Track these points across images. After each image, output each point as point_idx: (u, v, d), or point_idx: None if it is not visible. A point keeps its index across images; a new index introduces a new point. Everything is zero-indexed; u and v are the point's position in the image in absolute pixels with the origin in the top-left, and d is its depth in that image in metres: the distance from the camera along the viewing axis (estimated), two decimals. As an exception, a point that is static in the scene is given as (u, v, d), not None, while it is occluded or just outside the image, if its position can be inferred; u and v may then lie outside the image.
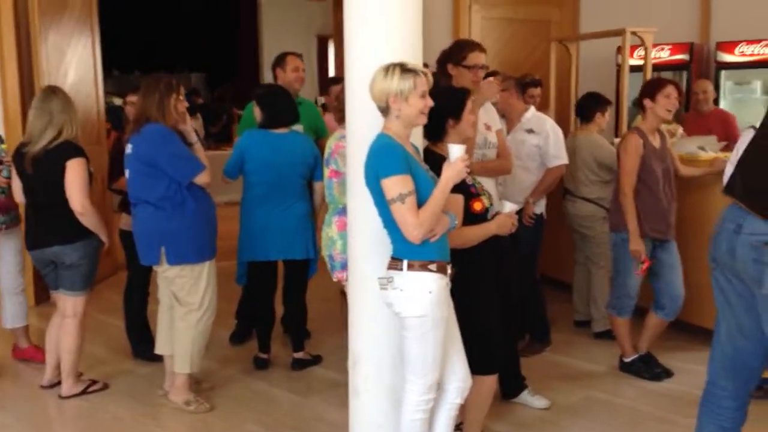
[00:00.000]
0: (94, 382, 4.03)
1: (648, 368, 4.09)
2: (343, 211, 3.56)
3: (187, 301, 3.69)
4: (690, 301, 4.09)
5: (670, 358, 4.22)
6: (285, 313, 4.52)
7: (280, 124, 4.17)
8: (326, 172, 3.82)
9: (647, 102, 3.96)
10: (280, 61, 4.86)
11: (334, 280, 3.86)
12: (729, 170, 3.62)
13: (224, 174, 4.20)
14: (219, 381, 4.14)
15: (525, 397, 3.74)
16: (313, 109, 5.13)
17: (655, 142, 4.00)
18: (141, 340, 4.42)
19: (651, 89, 3.99)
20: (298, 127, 4.32)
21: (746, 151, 2.53)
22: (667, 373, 4.09)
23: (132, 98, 4.32)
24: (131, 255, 4.09)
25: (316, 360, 4.39)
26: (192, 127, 3.78)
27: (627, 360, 4.15)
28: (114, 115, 8.11)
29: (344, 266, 3.56)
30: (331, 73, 13.77)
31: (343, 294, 5.55)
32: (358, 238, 3.04)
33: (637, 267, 3.91)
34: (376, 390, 2.99)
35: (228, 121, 11.01)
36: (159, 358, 3.98)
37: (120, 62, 15.18)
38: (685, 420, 3.54)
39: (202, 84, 17.58)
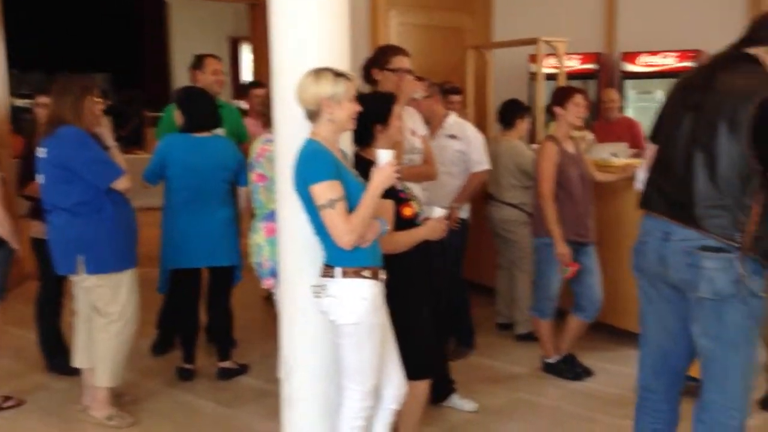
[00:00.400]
0: (7, 398, 3.83)
1: (570, 368, 4.21)
2: (270, 217, 3.51)
3: (107, 312, 3.55)
4: (608, 303, 4.24)
5: (590, 358, 4.36)
6: (210, 322, 4.41)
7: (202, 128, 4.08)
8: (252, 176, 3.75)
9: (558, 110, 4.11)
10: (198, 63, 4.75)
11: (263, 287, 3.79)
12: (641, 176, 3.78)
13: (144, 179, 4.07)
14: (141, 394, 4.00)
15: (454, 400, 3.78)
16: (234, 113, 5.04)
17: (570, 148, 4.14)
18: (56, 353, 4.21)
19: (560, 97, 4.13)
20: (220, 131, 4.24)
21: (654, 166, 2.62)
22: (587, 373, 4.22)
23: (43, 99, 4.12)
24: (44, 264, 3.90)
25: (242, 369, 4.30)
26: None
27: (549, 361, 4.27)
28: (15, 116, 7.70)
29: (273, 273, 3.51)
30: (245, 76, 13.56)
31: (266, 301, 5.51)
32: (289, 244, 3.00)
33: (564, 271, 4.02)
34: (310, 399, 2.96)
35: (138, 124, 10.68)
36: (75, 371, 3.81)
37: (18, 61, 14.43)
38: (606, 417, 3.68)
39: (107, 85, 16.96)
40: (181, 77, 13.04)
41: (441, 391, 3.73)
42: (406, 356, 2.88)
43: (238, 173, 4.12)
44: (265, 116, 3.77)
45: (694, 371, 2.87)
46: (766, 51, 2.43)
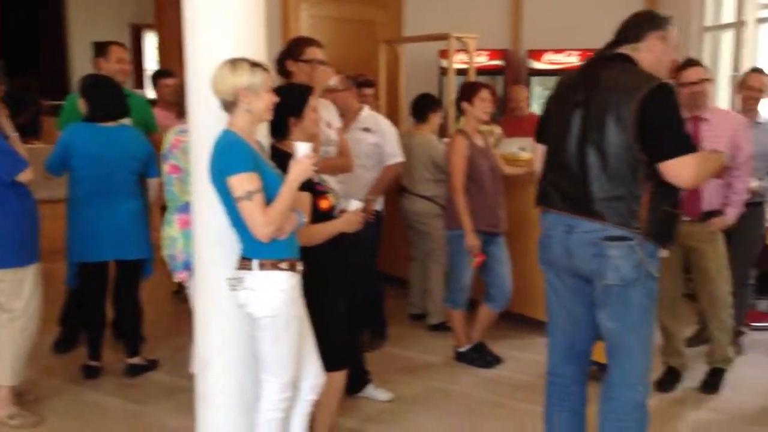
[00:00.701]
0: None
1: (481, 357, 4.32)
2: (184, 209, 3.43)
3: (10, 308, 3.39)
4: (516, 292, 4.37)
5: (500, 346, 4.49)
6: (117, 317, 4.27)
7: (108, 117, 3.94)
8: (165, 167, 3.65)
9: (465, 105, 4.20)
10: (102, 50, 4.58)
11: (176, 280, 3.70)
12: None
13: (46, 170, 3.90)
14: (45, 392, 3.83)
15: (369, 391, 3.82)
16: (142, 102, 4.89)
17: (479, 141, 4.24)
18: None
19: (467, 93, 4.22)
20: (126, 121, 4.10)
21: (547, 164, 2.73)
22: (497, 361, 4.34)
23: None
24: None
25: (151, 365, 4.19)
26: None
27: (462, 350, 4.36)
28: None
29: (187, 266, 3.44)
30: (148, 64, 13.18)
31: (175, 295, 5.39)
32: (204, 236, 2.94)
33: (470, 260, 4.12)
34: (227, 393, 2.91)
35: (36, 113, 10.18)
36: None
37: None
38: (515, 403, 3.80)
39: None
40: (79, 65, 12.55)
41: (356, 382, 3.75)
42: (322, 348, 2.89)
43: (147, 164, 4.01)
44: (178, 106, 3.68)
45: (596, 356, 3.02)
46: (633, 49, 2.59)
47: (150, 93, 7.05)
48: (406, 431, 3.53)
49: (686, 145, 2.46)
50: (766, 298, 5.17)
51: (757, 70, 4.60)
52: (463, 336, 4.35)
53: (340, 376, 3.12)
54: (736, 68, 5.52)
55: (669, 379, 4.00)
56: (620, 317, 2.59)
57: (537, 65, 7.71)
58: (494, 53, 7.78)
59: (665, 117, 2.46)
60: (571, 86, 2.67)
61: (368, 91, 5.13)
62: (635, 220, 2.48)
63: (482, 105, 4.17)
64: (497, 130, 5.96)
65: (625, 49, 2.62)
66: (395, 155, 4.47)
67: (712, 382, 3.97)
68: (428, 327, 4.93)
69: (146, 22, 11.84)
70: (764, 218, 4.44)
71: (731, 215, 3.87)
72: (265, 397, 2.71)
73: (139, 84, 12.21)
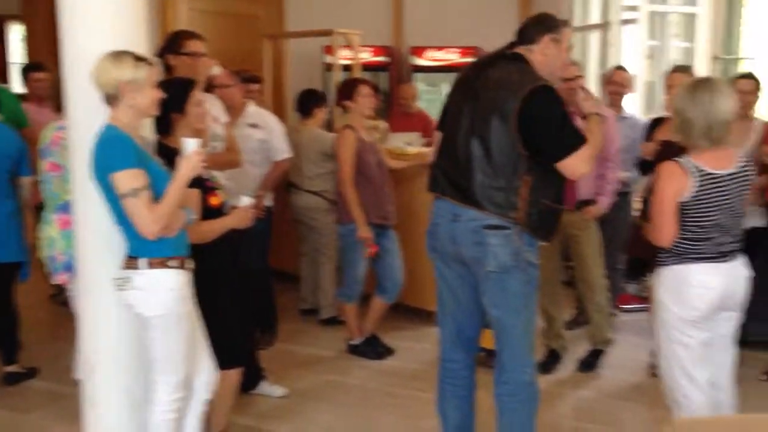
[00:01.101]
0: None
1: (373, 349, 4.39)
2: (64, 208, 3.29)
3: None
4: (406, 284, 4.46)
5: (392, 337, 4.57)
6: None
7: (-24, 113, 3.72)
8: (43, 165, 3.48)
9: (348, 103, 4.25)
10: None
11: (56, 282, 3.54)
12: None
13: None
14: None
15: (264, 387, 3.80)
16: (11, 97, 4.63)
17: (366, 136, 4.31)
18: None
19: (348, 91, 4.27)
20: (-6, 117, 3.88)
21: (438, 151, 2.84)
22: (389, 352, 4.42)
23: None
24: None
25: (31, 373, 3.98)
26: None
27: (354, 343, 4.42)
28: None
29: (68, 267, 3.30)
30: (13, 58, 12.41)
31: (53, 299, 5.14)
32: (86, 236, 2.84)
33: (364, 251, 4.17)
34: (116, 396, 2.82)
35: None
36: None
37: None
38: (407, 391, 3.90)
39: None
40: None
41: (250, 379, 3.72)
42: (215, 346, 2.86)
43: (19, 162, 3.81)
44: (54, 101, 3.51)
45: (484, 342, 3.15)
46: (526, 49, 2.71)
47: (17, 87, 6.67)
48: (301, 426, 3.54)
49: (577, 139, 2.60)
50: (635, 281, 5.54)
51: (620, 68, 4.92)
52: (356, 329, 4.40)
53: (234, 374, 3.10)
54: (602, 66, 5.85)
55: (550, 361, 4.21)
56: (501, 303, 2.70)
57: (420, 62, 7.86)
58: (378, 50, 7.86)
59: (548, 117, 2.58)
60: (466, 80, 2.78)
61: (254, 86, 5.08)
62: (513, 210, 2.60)
63: (364, 101, 4.23)
64: (382, 125, 6.05)
65: (520, 50, 2.73)
66: (284, 151, 4.46)
67: (590, 362, 4.22)
68: (320, 322, 4.94)
69: (10, 13, 11.14)
70: (631, 207, 4.75)
71: (604, 204, 4.11)
72: (157, 398, 2.65)
73: (3, 78, 11.50)
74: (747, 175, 2.72)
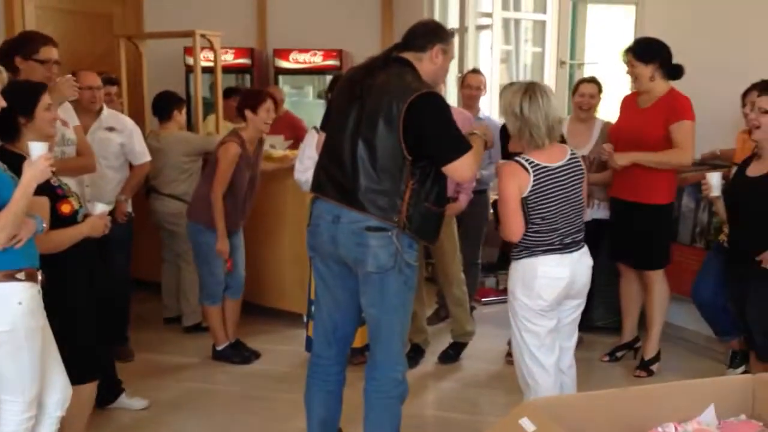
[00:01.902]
0: None
1: (238, 353, 4.36)
2: None
3: None
4: (271, 286, 4.46)
5: (258, 341, 4.56)
6: None
7: None
8: None
9: (249, 114, 4.12)
10: None
11: None
12: (299, 167, 4.05)
13: None
14: None
15: (123, 400, 3.68)
16: None
17: (251, 149, 4.20)
18: None
19: (253, 102, 4.12)
20: None
21: (323, 153, 2.88)
22: (256, 355, 4.41)
23: None
24: None
25: None
26: None
27: (219, 348, 4.36)
28: None
29: None
30: None
31: None
32: None
33: (224, 264, 4.15)
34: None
35: None
36: None
37: None
38: (274, 394, 3.91)
39: None
40: None
41: (108, 393, 3.60)
42: (69, 360, 2.74)
43: None
44: None
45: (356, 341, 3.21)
46: (415, 56, 2.78)
47: None
48: (164, 436, 3.47)
49: (462, 145, 2.68)
50: (493, 275, 5.81)
51: (475, 71, 5.14)
52: (221, 334, 4.35)
53: (89, 388, 3.00)
54: (460, 69, 6.08)
55: (414, 355, 4.33)
56: (379, 303, 2.76)
57: (284, 64, 7.84)
58: (240, 51, 7.78)
59: (436, 121, 2.65)
60: (352, 81, 2.80)
61: (113, 89, 4.95)
62: (395, 213, 2.66)
63: (265, 116, 4.12)
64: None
65: (408, 55, 2.78)
66: (143, 154, 4.34)
67: (451, 355, 4.39)
68: (184, 329, 4.85)
69: None
70: (488, 204, 4.98)
71: (463, 201, 4.29)
72: (6, 420, 2.51)
73: None
74: (578, 166, 2.95)
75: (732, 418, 2.25)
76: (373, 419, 2.86)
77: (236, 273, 4.33)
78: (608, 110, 4.92)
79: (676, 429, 2.16)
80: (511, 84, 3.13)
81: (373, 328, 2.85)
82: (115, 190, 4.22)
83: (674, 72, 3.94)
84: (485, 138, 2.90)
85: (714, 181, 3.37)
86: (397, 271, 2.71)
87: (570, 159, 2.93)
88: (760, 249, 3.16)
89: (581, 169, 2.98)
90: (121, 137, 4.24)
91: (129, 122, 4.35)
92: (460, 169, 2.67)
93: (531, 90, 2.86)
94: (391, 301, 2.76)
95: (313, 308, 3.44)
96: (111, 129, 4.22)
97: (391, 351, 2.82)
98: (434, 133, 2.65)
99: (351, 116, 2.72)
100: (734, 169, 3.58)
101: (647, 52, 3.92)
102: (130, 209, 4.36)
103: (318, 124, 3.06)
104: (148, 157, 4.37)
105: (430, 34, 2.80)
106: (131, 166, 4.34)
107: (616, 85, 5.01)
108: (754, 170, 3.27)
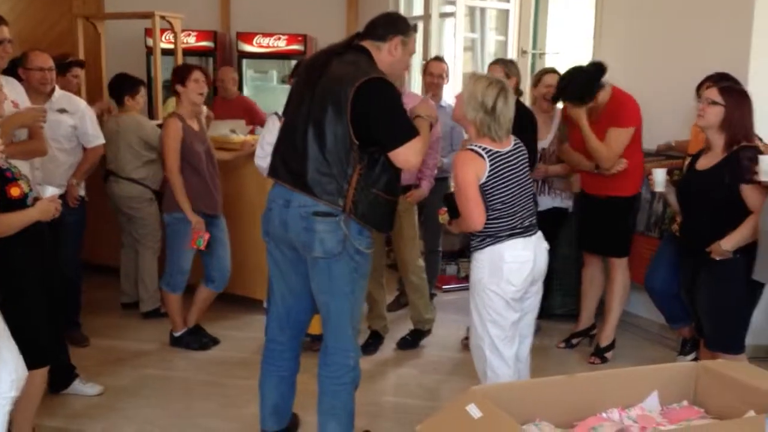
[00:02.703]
0: None
1: (197, 339, 4.33)
2: None
3: None
4: (232, 273, 4.42)
5: (217, 327, 4.54)
6: None
7: None
8: None
9: (179, 88, 4.16)
10: None
11: None
12: (260, 152, 4.03)
13: None
14: None
15: (76, 386, 3.64)
16: None
17: (194, 125, 4.21)
18: None
19: (181, 75, 4.18)
20: None
21: (279, 137, 2.87)
22: (214, 342, 4.39)
23: None
24: None
25: None
26: None
27: (177, 334, 4.33)
28: None
29: None
30: None
31: None
32: None
33: (198, 242, 4.09)
34: None
35: None
36: None
37: None
38: (232, 380, 3.89)
39: None
40: None
41: (61, 379, 3.57)
42: (20, 345, 2.71)
43: None
44: None
45: (311, 328, 3.21)
46: (374, 45, 2.78)
47: None
48: (116, 423, 3.43)
49: (409, 131, 2.68)
50: (455, 263, 5.85)
51: (438, 59, 5.13)
52: (180, 320, 4.32)
53: (39, 374, 2.95)
54: (424, 57, 6.08)
55: (373, 342, 4.36)
56: (327, 288, 2.77)
57: (247, 48, 7.77)
58: (203, 34, 7.70)
59: (381, 108, 2.65)
60: (309, 67, 2.80)
61: (79, 71, 4.89)
62: (342, 198, 2.66)
63: (196, 87, 4.15)
64: (206, 112, 5.94)
65: (368, 44, 2.78)
66: (96, 137, 4.27)
67: (410, 341, 4.41)
68: (142, 315, 4.80)
69: None
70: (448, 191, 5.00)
71: (425, 188, 4.30)
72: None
73: None
74: (523, 151, 3.01)
75: (675, 404, 2.30)
76: (325, 405, 2.87)
77: (221, 266, 4.29)
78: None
79: (620, 415, 2.21)
80: (479, 74, 3.13)
81: (323, 314, 2.85)
82: (66, 173, 4.15)
83: (601, 74, 3.98)
84: (430, 119, 2.91)
85: (659, 177, 3.43)
86: (346, 257, 2.71)
87: (515, 144, 2.99)
88: (709, 240, 3.22)
89: (526, 154, 3.04)
90: (73, 119, 4.16)
91: (81, 104, 4.26)
92: (405, 156, 2.67)
93: (505, 89, 2.90)
94: (340, 287, 2.76)
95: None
96: (62, 111, 4.13)
97: (342, 337, 2.83)
98: (380, 118, 2.66)
99: (305, 101, 2.72)
100: (688, 161, 3.64)
101: (587, 93, 3.96)
102: (82, 193, 4.29)
103: (281, 110, 3.05)
104: (101, 140, 4.30)
105: (391, 25, 2.81)
106: (85, 149, 4.27)
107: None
108: (702, 163, 3.33)
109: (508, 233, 2.91)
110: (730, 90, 3.27)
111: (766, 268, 2.95)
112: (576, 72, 4.07)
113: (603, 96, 4.03)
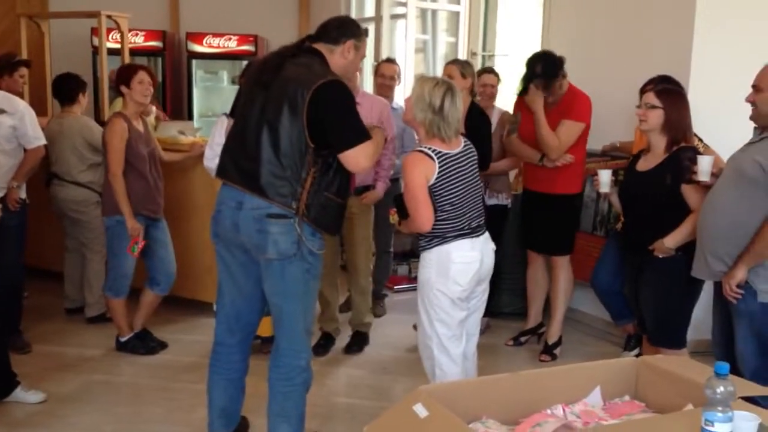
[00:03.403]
0: None
1: (144, 344, 4.26)
2: None
3: None
4: (179, 276, 4.36)
5: (165, 330, 4.48)
6: None
7: None
8: None
9: (123, 89, 4.10)
10: None
11: None
12: (209, 154, 3.99)
13: None
14: None
15: (18, 393, 3.54)
16: None
17: (139, 126, 4.15)
18: None
19: (125, 76, 4.11)
20: None
21: (229, 138, 2.85)
22: (162, 346, 4.32)
23: None
24: None
25: None
26: None
27: (123, 339, 4.25)
28: None
29: None
30: None
31: None
32: None
33: (133, 249, 4.02)
34: None
35: None
36: None
37: None
38: (180, 384, 3.84)
39: None
40: None
41: (2, 387, 3.47)
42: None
43: None
44: None
45: (260, 330, 3.19)
46: (327, 48, 2.78)
47: None
48: (61, 430, 3.34)
49: (361, 134, 2.68)
50: (406, 263, 5.87)
51: (389, 60, 5.15)
52: (125, 325, 4.24)
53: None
54: (375, 58, 6.09)
55: (324, 344, 4.35)
56: (280, 290, 2.75)
57: (197, 48, 7.69)
58: (152, 34, 7.58)
59: (336, 110, 2.65)
60: (261, 68, 2.78)
61: (26, 71, 4.79)
62: (296, 201, 2.65)
63: (141, 88, 4.08)
64: (154, 112, 5.87)
65: (320, 46, 2.78)
66: (37, 138, 4.16)
67: (355, 344, 4.40)
68: (87, 320, 4.70)
69: None
70: (400, 193, 5.01)
71: (381, 189, 4.31)
72: None
73: None
74: (473, 153, 3.05)
75: (617, 399, 2.34)
76: (276, 407, 2.85)
77: (165, 268, 4.23)
78: (507, 100, 5.03)
79: (564, 411, 2.23)
80: (427, 76, 3.16)
81: (276, 316, 2.84)
82: (6, 175, 4.04)
83: (563, 61, 4.07)
84: (385, 134, 2.95)
85: (604, 178, 3.49)
86: (299, 259, 2.70)
87: (465, 146, 3.02)
88: (652, 239, 3.29)
89: (476, 156, 3.07)
90: (12, 120, 4.05)
91: (21, 104, 4.15)
92: (356, 158, 2.67)
93: (452, 89, 2.93)
94: (293, 288, 2.75)
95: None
96: (1, 111, 4.01)
97: (294, 338, 2.81)
98: (334, 120, 2.66)
99: (257, 102, 2.71)
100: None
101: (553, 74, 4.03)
102: (23, 196, 4.18)
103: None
104: (42, 141, 4.19)
105: (344, 29, 2.82)
106: (25, 151, 4.16)
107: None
108: (643, 165, 3.40)
109: (456, 234, 2.94)
110: (668, 92, 3.35)
111: (703, 266, 3.03)
112: (544, 54, 4.16)
113: (562, 86, 4.09)
